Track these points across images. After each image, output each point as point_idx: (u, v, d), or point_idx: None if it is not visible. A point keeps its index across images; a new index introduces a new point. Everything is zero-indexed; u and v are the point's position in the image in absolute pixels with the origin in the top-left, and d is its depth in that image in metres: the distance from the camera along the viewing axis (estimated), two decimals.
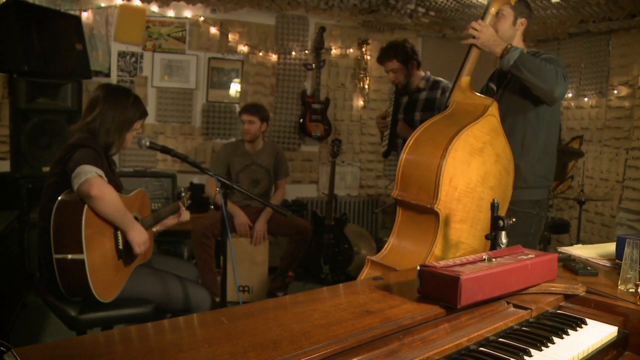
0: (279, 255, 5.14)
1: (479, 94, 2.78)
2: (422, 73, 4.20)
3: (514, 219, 2.05)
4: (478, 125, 2.53)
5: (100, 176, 2.65)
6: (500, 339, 1.59)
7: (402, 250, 2.49)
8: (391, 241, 2.56)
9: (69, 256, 2.58)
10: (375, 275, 1.92)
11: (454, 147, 2.41)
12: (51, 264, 2.63)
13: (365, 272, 2.49)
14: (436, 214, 2.39)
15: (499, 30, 2.89)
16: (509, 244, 2.01)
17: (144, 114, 3.11)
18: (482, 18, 2.82)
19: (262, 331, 1.29)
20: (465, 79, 2.77)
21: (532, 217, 2.96)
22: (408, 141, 2.59)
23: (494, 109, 2.63)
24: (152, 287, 2.96)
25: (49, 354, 1.14)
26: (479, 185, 2.51)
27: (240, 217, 4.72)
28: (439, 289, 1.56)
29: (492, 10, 2.82)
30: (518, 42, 2.97)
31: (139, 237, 2.87)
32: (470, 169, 2.49)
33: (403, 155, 2.57)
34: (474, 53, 2.79)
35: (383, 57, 4.16)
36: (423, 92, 4.12)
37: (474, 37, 2.77)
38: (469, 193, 2.48)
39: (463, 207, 2.47)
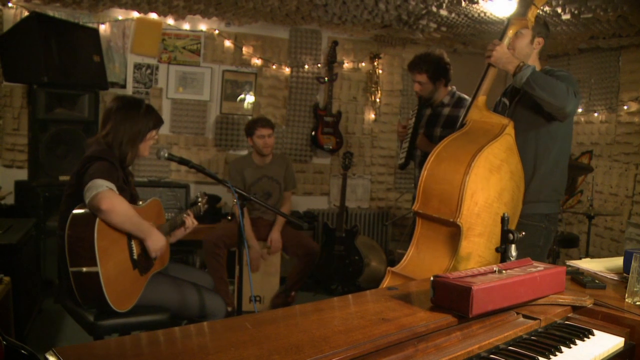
0: (290, 267, 5.17)
1: (495, 113, 2.86)
2: (448, 88, 4.08)
3: (523, 232, 2.11)
4: (497, 144, 2.60)
5: (111, 189, 2.69)
6: (510, 347, 1.65)
7: (421, 261, 2.55)
8: (410, 252, 2.62)
9: (84, 269, 2.62)
10: (395, 285, 1.98)
11: (477, 164, 2.48)
12: (69, 273, 2.67)
13: (386, 283, 2.55)
14: (458, 228, 2.45)
15: (516, 48, 2.94)
16: (517, 255, 2.07)
17: (157, 123, 3.13)
18: (500, 39, 2.88)
19: (285, 336, 1.36)
20: (481, 98, 2.84)
21: (540, 230, 2.99)
22: (429, 157, 2.64)
23: (510, 129, 2.71)
24: (169, 294, 3.01)
25: (86, 353, 1.21)
26: (495, 200, 2.58)
27: (255, 251, 4.72)
28: (451, 299, 1.62)
29: (510, 32, 2.87)
30: (534, 60, 3.01)
31: (157, 244, 2.92)
32: (489, 185, 2.56)
33: (425, 171, 2.62)
34: (491, 74, 2.87)
35: (413, 67, 4.02)
36: (446, 107, 4.01)
37: (489, 57, 2.84)
38: (487, 208, 2.54)
39: (482, 221, 2.53)
